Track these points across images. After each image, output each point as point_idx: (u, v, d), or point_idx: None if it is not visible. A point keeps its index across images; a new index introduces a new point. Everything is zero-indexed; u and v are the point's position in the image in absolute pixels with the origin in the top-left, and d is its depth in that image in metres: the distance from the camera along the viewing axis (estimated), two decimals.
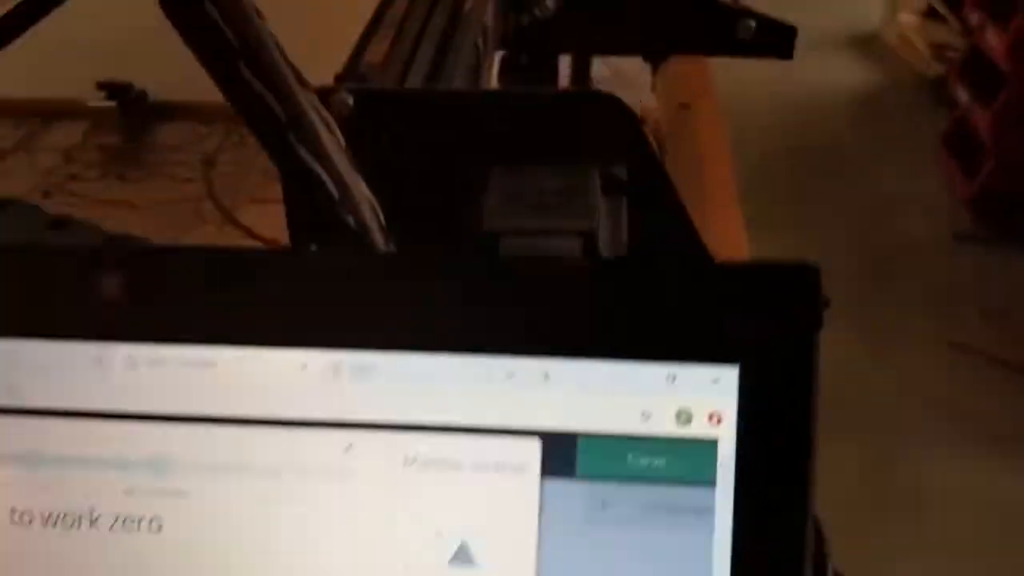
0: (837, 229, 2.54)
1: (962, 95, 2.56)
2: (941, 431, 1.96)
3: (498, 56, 0.78)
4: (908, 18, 3.22)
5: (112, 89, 0.84)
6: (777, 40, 0.72)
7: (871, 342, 2.17)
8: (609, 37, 0.75)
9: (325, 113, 0.36)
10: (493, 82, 0.73)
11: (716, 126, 0.91)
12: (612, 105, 0.41)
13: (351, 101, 0.40)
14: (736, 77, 0.74)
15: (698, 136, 0.88)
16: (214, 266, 0.30)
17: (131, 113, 0.84)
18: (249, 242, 0.51)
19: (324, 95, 0.40)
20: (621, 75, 0.86)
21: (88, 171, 0.82)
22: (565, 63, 0.84)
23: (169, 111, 0.79)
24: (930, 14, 3.15)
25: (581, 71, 0.84)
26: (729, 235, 0.76)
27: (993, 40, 2.39)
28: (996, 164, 2.42)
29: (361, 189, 0.36)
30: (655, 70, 0.83)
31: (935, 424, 1.97)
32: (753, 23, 0.71)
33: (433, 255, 0.31)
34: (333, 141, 0.36)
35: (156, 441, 0.29)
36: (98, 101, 0.86)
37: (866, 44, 3.48)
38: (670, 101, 0.93)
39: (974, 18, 2.50)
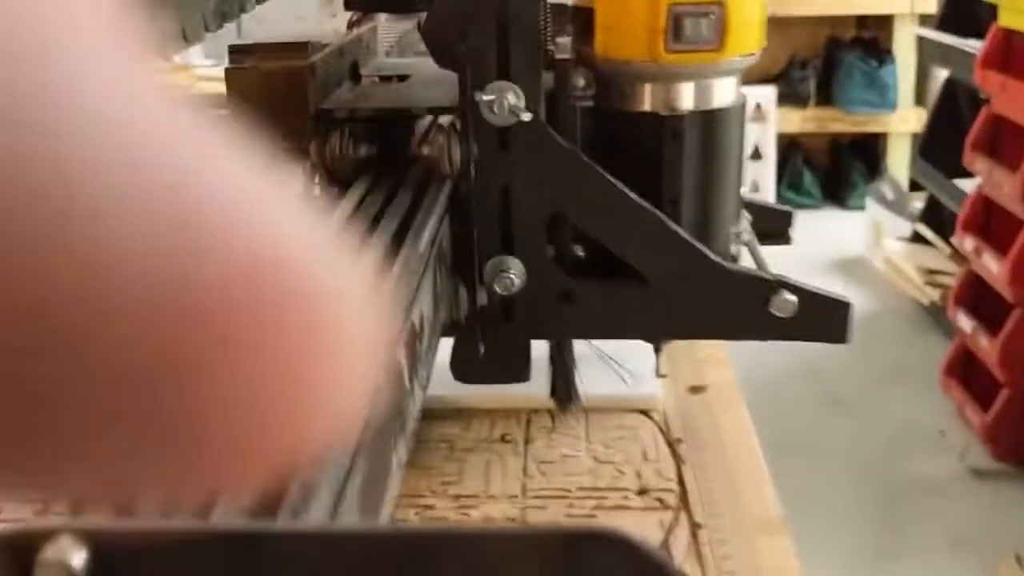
0: (848, 468, 2.35)
1: (964, 323, 2.41)
2: None
3: (445, 345, 0.59)
4: (893, 243, 3.15)
5: None
6: (824, 319, 0.54)
7: None
8: (596, 322, 0.56)
9: None
10: (441, 383, 0.53)
11: (737, 411, 0.71)
12: (621, 549, 0.21)
13: (80, 560, 0.19)
14: None
15: (720, 430, 0.68)
16: None
17: None
18: None
19: (23, 548, 0.19)
20: (616, 361, 0.67)
21: None
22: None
23: None
24: (915, 239, 3.07)
25: (560, 356, 0.65)
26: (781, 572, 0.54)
27: (992, 266, 2.27)
28: (1011, 395, 2.25)
29: None
30: (658, 348, 0.64)
31: None
32: (793, 299, 0.53)
33: None
34: None
35: None
36: None
37: (851, 269, 3.40)
38: (678, 384, 0.73)
39: (968, 243, 2.40)
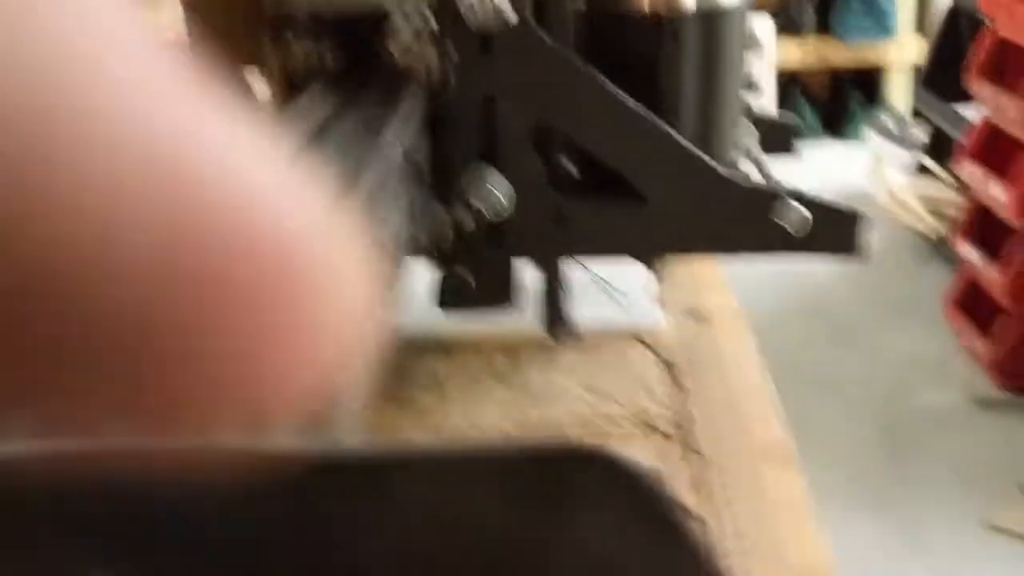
0: (854, 401, 2.34)
1: (970, 253, 2.38)
2: None
3: (425, 270, 0.54)
4: (894, 175, 3.10)
5: None
6: (834, 231, 0.49)
7: (902, 527, 1.95)
8: (590, 242, 0.52)
9: None
10: (424, 314, 0.50)
11: (740, 336, 0.67)
12: (604, 471, 0.17)
13: None
14: None
15: (722, 355, 0.64)
16: None
17: None
18: None
19: None
20: (611, 287, 0.63)
21: None
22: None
23: None
24: (918, 170, 3.03)
25: (552, 281, 0.61)
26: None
27: (998, 194, 2.23)
28: (1017, 324, 2.22)
29: None
30: (657, 272, 0.59)
31: None
32: (802, 209, 0.48)
33: None
34: None
35: None
36: None
37: (852, 202, 3.36)
38: (678, 310, 0.69)
39: (973, 172, 2.35)
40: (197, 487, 0.17)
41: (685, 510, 0.17)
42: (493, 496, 0.18)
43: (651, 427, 0.56)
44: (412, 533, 0.18)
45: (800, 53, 3.71)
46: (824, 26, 3.73)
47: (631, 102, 0.50)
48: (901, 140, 3.19)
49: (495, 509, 0.18)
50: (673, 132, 0.50)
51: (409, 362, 0.64)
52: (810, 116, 3.81)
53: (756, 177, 0.55)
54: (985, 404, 2.30)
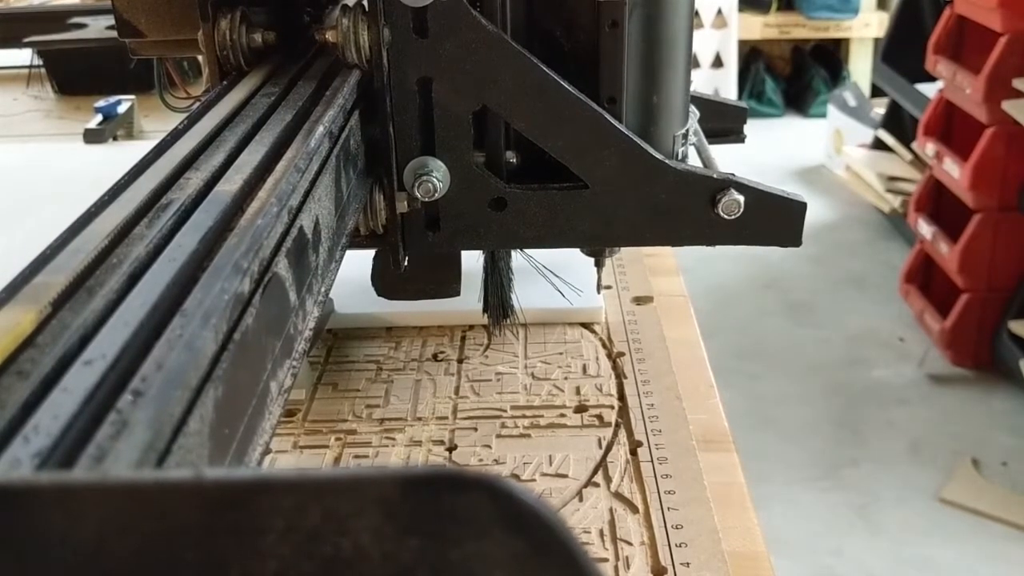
0: (808, 375, 2.36)
1: (924, 229, 2.40)
2: None
3: (364, 256, 0.53)
4: (854, 150, 3.12)
5: None
6: (776, 221, 0.49)
7: (855, 501, 1.97)
8: (531, 230, 0.51)
9: None
10: (368, 300, 0.48)
11: (685, 322, 0.67)
12: (485, 495, 0.16)
13: None
14: None
15: (666, 342, 0.64)
16: None
17: None
18: None
19: None
20: (554, 273, 0.62)
21: None
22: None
23: None
24: (877, 146, 3.04)
25: (494, 268, 0.60)
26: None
27: (953, 171, 2.25)
28: (969, 300, 2.25)
29: None
30: (600, 262, 0.59)
31: None
32: (741, 198, 0.48)
33: None
34: None
35: None
36: None
37: (812, 178, 3.38)
38: (624, 296, 0.69)
39: (929, 148, 2.37)
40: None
41: (582, 548, 0.17)
42: (373, 524, 0.17)
43: (591, 415, 0.56)
44: (288, 561, 0.17)
45: (762, 27, 3.71)
46: (787, 1, 3.73)
47: (567, 86, 0.49)
48: (861, 116, 3.20)
49: (375, 537, 0.17)
50: (611, 118, 0.49)
51: (352, 349, 0.63)
52: (772, 91, 3.82)
53: (700, 164, 0.54)
54: (938, 380, 2.32)
